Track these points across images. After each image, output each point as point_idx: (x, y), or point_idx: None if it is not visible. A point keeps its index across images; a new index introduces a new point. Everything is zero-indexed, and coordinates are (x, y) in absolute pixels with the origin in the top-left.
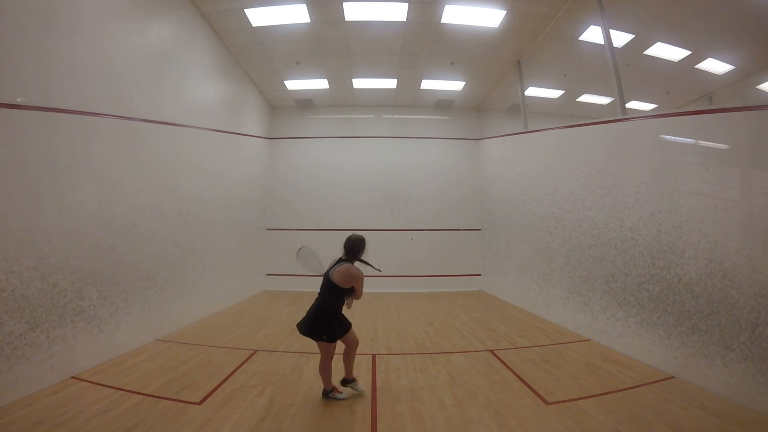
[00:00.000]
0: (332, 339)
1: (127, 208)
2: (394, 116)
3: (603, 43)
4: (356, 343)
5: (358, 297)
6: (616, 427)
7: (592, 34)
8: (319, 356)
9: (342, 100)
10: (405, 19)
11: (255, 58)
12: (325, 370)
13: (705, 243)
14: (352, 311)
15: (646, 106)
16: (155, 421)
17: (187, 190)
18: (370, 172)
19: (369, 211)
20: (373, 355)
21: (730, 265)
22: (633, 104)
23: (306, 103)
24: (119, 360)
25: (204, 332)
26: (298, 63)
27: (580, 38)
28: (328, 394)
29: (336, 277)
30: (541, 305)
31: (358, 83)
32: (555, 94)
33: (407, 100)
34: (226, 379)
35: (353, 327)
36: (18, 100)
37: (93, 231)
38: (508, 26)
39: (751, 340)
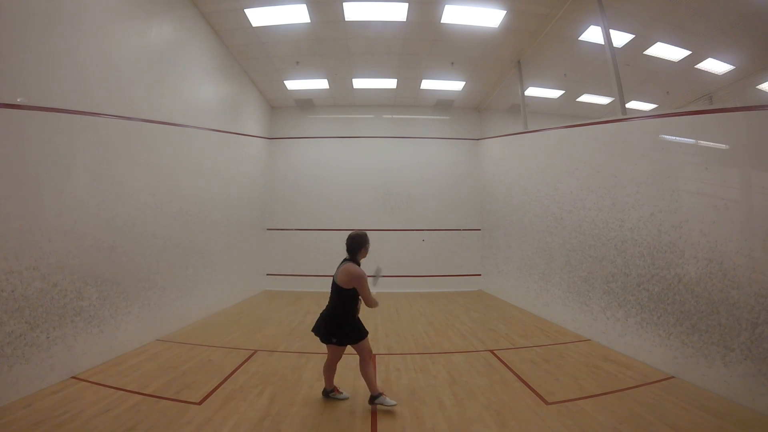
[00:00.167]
0: (342, 343)
1: (127, 208)
2: (394, 116)
3: (603, 43)
4: (369, 353)
5: (366, 301)
6: (616, 427)
7: (592, 34)
8: (322, 357)
9: (342, 100)
10: (405, 19)
11: (255, 58)
12: (329, 369)
13: (705, 243)
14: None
15: (646, 106)
16: (155, 421)
17: (187, 190)
18: (370, 172)
19: (369, 211)
20: (373, 355)
21: (730, 265)
22: (633, 104)
23: (306, 103)
24: (119, 360)
25: (204, 332)
26: (298, 63)
27: (580, 38)
28: (329, 393)
29: (338, 278)
30: (541, 305)
31: (358, 83)
32: (555, 94)
33: (407, 100)
34: (226, 379)
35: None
36: (18, 100)
37: (93, 231)
38: (508, 26)
39: (751, 340)
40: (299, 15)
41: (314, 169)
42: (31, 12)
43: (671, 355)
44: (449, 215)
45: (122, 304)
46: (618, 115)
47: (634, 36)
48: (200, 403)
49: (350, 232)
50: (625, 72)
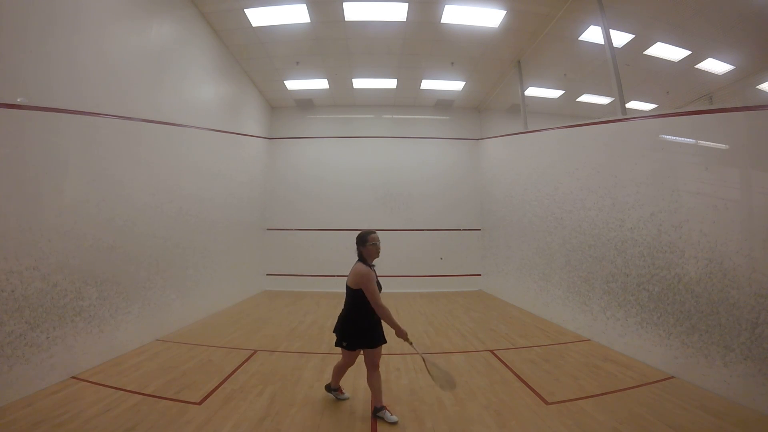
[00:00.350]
0: (351, 347)
1: (127, 208)
2: (394, 116)
3: (603, 43)
4: (373, 365)
5: (373, 305)
6: (616, 427)
7: (592, 34)
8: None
9: (342, 100)
10: (405, 19)
11: (255, 58)
12: (339, 371)
13: (705, 243)
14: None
15: (646, 106)
16: (155, 421)
17: (187, 190)
18: (370, 171)
19: (369, 211)
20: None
21: (730, 265)
22: (633, 104)
23: (306, 103)
24: (119, 360)
25: (204, 332)
26: (298, 63)
27: (580, 38)
28: (332, 390)
29: (348, 279)
30: (541, 305)
31: (358, 83)
32: (555, 94)
33: (407, 100)
34: (226, 379)
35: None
36: (18, 100)
37: (93, 231)
38: (508, 26)
39: (751, 340)
40: (299, 15)
41: (314, 169)
42: (31, 12)
43: (671, 355)
44: (449, 215)
45: (122, 304)
46: (618, 115)
47: (634, 36)
48: (200, 403)
49: (350, 232)
50: (625, 72)
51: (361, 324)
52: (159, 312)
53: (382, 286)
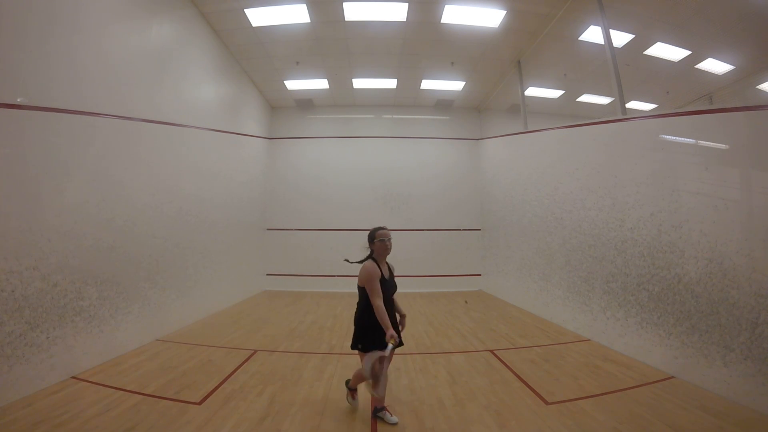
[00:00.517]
0: (366, 349)
1: (127, 208)
2: (394, 116)
3: (603, 43)
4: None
5: (371, 300)
6: (616, 427)
7: (592, 34)
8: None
9: (342, 100)
10: (405, 19)
11: (255, 58)
12: (358, 375)
13: (705, 243)
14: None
15: (646, 106)
16: (155, 421)
17: (187, 190)
18: (370, 172)
19: (369, 211)
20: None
21: (730, 265)
22: (633, 104)
23: (306, 103)
24: (119, 360)
25: (204, 332)
26: (298, 63)
27: (580, 38)
28: (349, 387)
29: (358, 278)
30: (541, 305)
31: (358, 83)
32: (555, 94)
33: (407, 100)
34: (226, 379)
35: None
36: (18, 100)
37: (93, 231)
38: (508, 26)
39: (751, 340)
40: (299, 15)
41: (314, 169)
42: (31, 12)
43: (671, 355)
44: (449, 215)
45: (122, 304)
46: (618, 115)
47: (634, 36)
48: (200, 403)
49: (350, 233)
50: (625, 72)
51: (371, 324)
52: (159, 312)
53: (397, 286)
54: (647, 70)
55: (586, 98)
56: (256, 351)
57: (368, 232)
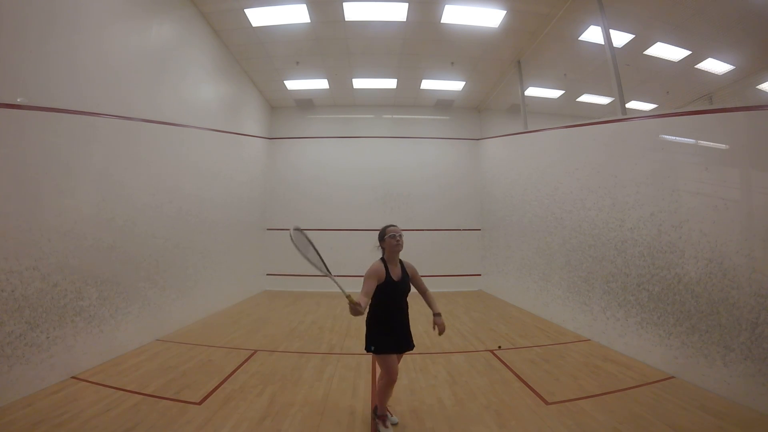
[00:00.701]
0: (379, 351)
1: (127, 208)
2: (394, 116)
3: (603, 43)
4: (387, 369)
5: (356, 303)
6: (616, 427)
7: (592, 34)
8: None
9: (342, 100)
10: (405, 19)
11: (255, 58)
12: (380, 389)
13: (705, 243)
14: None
15: (646, 106)
16: (155, 421)
17: (187, 190)
18: (370, 172)
19: (369, 211)
20: (374, 355)
21: (730, 265)
22: (633, 104)
23: (306, 103)
24: (119, 360)
25: (204, 332)
26: (298, 63)
27: (580, 38)
28: (377, 416)
29: None
30: (541, 305)
31: (358, 83)
32: (555, 94)
33: (407, 100)
34: (226, 379)
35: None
36: (18, 100)
37: (93, 231)
38: (508, 26)
39: (751, 340)
40: (299, 15)
41: (314, 169)
42: (31, 12)
43: (671, 355)
44: (449, 215)
45: (122, 304)
46: (618, 115)
47: (634, 36)
48: (200, 403)
49: (350, 233)
50: (625, 72)
51: (379, 324)
52: (159, 312)
53: (409, 288)
54: (647, 70)
55: (586, 98)
56: (256, 351)
57: (378, 231)
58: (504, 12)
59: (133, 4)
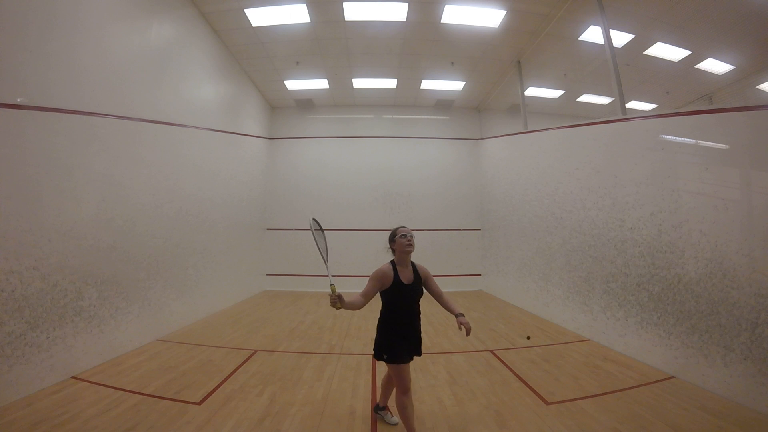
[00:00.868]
0: (392, 359)
1: (127, 208)
2: (394, 116)
3: (603, 43)
4: (400, 378)
5: (357, 296)
6: (616, 427)
7: (592, 34)
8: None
9: (342, 100)
10: (405, 19)
11: (255, 58)
12: (387, 384)
13: (705, 243)
14: (351, 311)
15: (646, 106)
16: (155, 421)
17: (187, 190)
18: (370, 172)
19: (369, 211)
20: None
21: (730, 265)
22: (633, 104)
23: (306, 103)
24: (119, 360)
25: (204, 332)
26: (298, 63)
27: (580, 38)
28: (379, 410)
29: None
30: (541, 305)
31: (358, 83)
32: (555, 94)
33: (407, 100)
34: (226, 379)
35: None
36: (18, 100)
37: (93, 231)
38: (508, 26)
39: (751, 340)
40: (299, 15)
41: (314, 169)
42: (31, 12)
43: (671, 355)
44: (449, 215)
45: (122, 304)
46: (618, 115)
47: (634, 36)
48: (200, 403)
49: (349, 233)
50: (625, 72)
51: (388, 330)
52: (159, 312)
53: (422, 291)
54: (647, 70)
55: (586, 98)
56: (256, 351)
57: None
58: (504, 12)
59: (133, 4)
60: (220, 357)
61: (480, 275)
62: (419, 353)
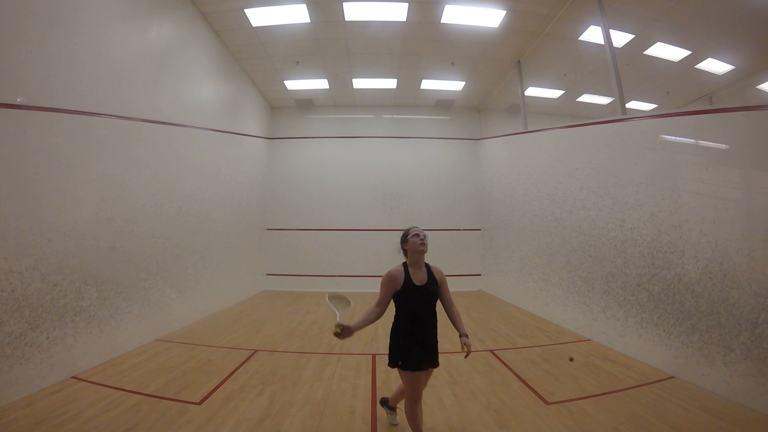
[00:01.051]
0: (405, 367)
1: (127, 208)
2: (394, 116)
3: (603, 43)
4: (413, 387)
5: (372, 307)
6: (616, 427)
7: (592, 34)
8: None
9: (342, 100)
10: (405, 19)
11: (255, 58)
12: (409, 413)
13: (705, 243)
14: (351, 311)
15: (646, 106)
16: (155, 421)
17: (187, 190)
18: (370, 172)
19: (369, 211)
20: (373, 355)
21: (730, 265)
22: (633, 104)
23: (306, 103)
24: (119, 360)
25: (204, 332)
26: (298, 63)
27: (580, 38)
28: (386, 403)
29: None
30: (541, 305)
31: (358, 83)
32: (555, 94)
33: (407, 100)
34: (226, 379)
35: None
36: (18, 100)
37: (93, 231)
38: (508, 26)
39: (751, 340)
40: (299, 15)
41: (314, 169)
42: (31, 12)
43: (671, 355)
44: (449, 215)
45: (122, 304)
46: (618, 115)
47: (634, 36)
48: (200, 403)
49: (349, 233)
50: (625, 72)
51: (398, 336)
52: (159, 312)
53: (437, 294)
54: (647, 70)
55: (586, 98)
56: (256, 351)
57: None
58: (504, 12)
59: (133, 4)
60: (220, 357)
61: (480, 275)
62: (436, 364)
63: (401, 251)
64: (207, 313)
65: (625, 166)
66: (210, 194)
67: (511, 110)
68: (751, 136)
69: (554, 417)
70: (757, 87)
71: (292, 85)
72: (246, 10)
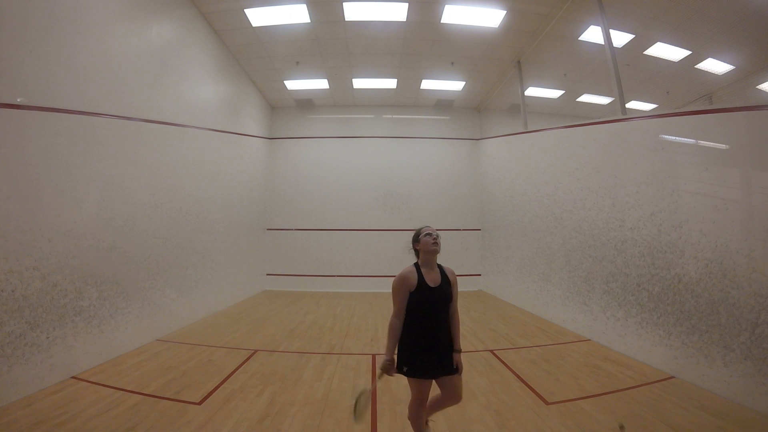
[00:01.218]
0: (411, 374)
1: (127, 208)
2: (394, 116)
3: (603, 43)
4: (450, 399)
5: (391, 318)
6: (616, 428)
7: (592, 34)
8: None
9: (342, 100)
10: (405, 19)
11: (255, 58)
12: (412, 415)
13: (705, 243)
14: (351, 311)
15: (646, 106)
16: (155, 421)
17: (187, 190)
18: (370, 172)
19: (369, 211)
20: (373, 355)
21: (730, 265)
22: (633, 104)
23: (306, 103)
24: (119, 360)
25: (204, 332)
26: (298, 63)
27: (580, 38)
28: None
29: None
30: (541, 305)
31: (358, 83)
32: (555, 94)
33: (407, 100)
34: (226, 379)
35: (364, 333)
36: (18, 100)
37: (93, 231)
38: (508, 26)
39: (751, 340)
40: (299, 15)
41: (314, 169)
42: (31, 12)
43: (671, 355)
44: (449, 215)
45: (122, 304)
46: (618, 115)
47: (634, 36)
48: (200, 403)
49: (349, 233)
50: (625, 72)
51: (407, 340)
52: (159, 312)
53: (451, 296)
54: (647, 70)
55: (586, 98)
56: (256, 351)
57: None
58: (504, 12)
59: (133, 4)
60: (220, 357)
61: (480, 275)
62: (450, 370)
63: (412, 251)
64: (207, 313)
65: (625, 166)
66: (210, 194)
67: (511, 110)
68: (751, 136)
69: (554, 417)
70: (757, 87)
71: (292, 85)
72: (246, 10)
